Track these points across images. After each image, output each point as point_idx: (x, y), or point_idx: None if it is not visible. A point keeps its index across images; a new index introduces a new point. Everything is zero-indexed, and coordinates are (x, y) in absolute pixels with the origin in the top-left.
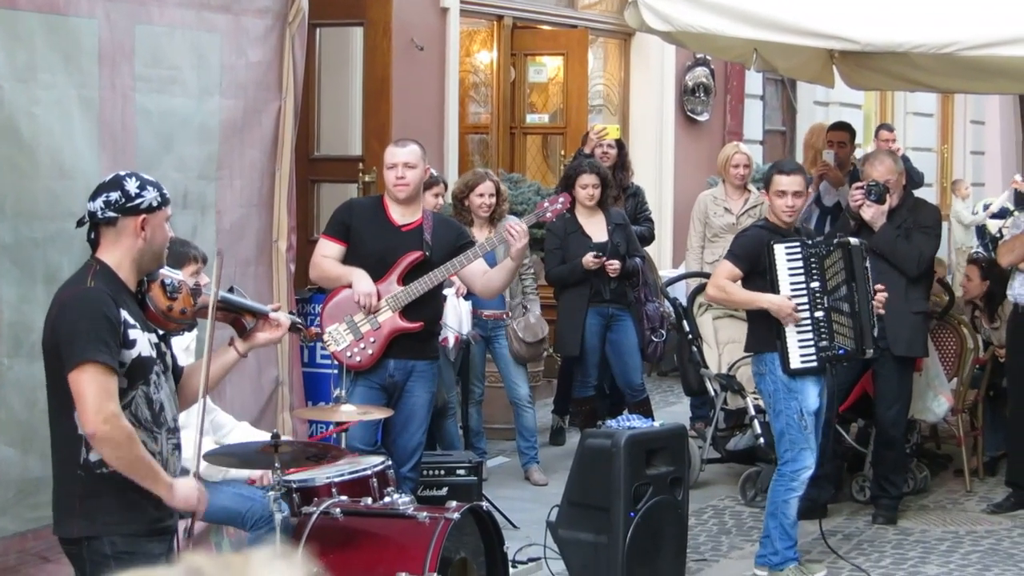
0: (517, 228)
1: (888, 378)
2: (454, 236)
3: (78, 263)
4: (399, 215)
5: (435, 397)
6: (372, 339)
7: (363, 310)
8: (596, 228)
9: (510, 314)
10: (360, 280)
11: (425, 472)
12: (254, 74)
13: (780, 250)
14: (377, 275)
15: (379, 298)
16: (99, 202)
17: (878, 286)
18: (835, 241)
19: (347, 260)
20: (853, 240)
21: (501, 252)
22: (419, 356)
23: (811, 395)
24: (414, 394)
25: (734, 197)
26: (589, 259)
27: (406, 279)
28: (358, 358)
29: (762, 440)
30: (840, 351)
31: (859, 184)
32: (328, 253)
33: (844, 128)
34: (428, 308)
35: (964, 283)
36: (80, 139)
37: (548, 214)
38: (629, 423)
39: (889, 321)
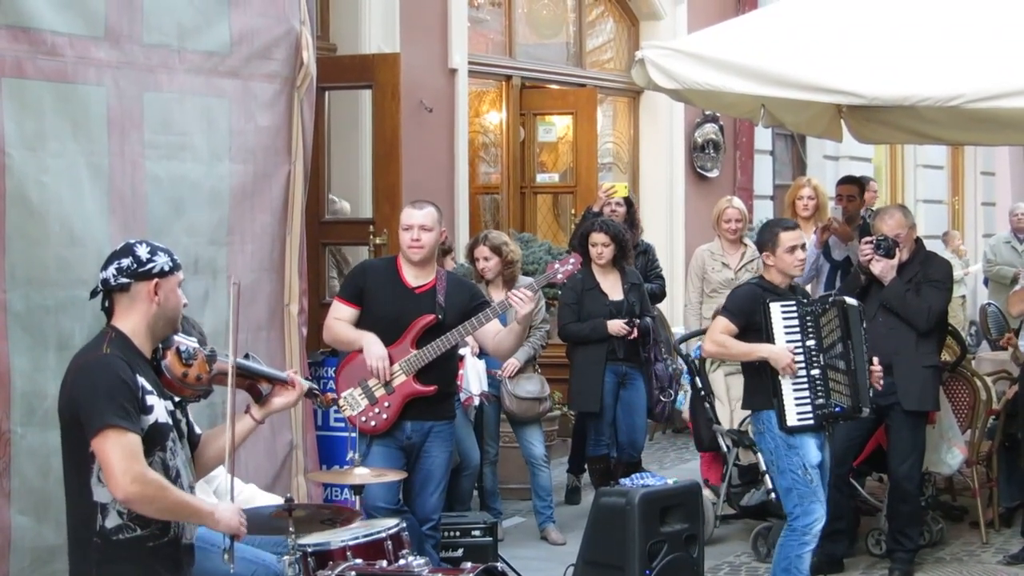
0: (521, 295)
1: (900, 432)
2: (467, 297)
3: (90, 330)
4: (413, 277)
5: (452, 456)
6: (387, 403)
7: (375, 377)
8: (612, 286)
9: (502, 372)
10: (371, 346)
11: (440, 533)
12: (263, 139)
13: (776, 308)
14: (391, 338)
15: (391, 363)
16: (111, 270)
17: (875, 359)
18: (831, 300)
19: (361, 322)
20: (849, 300)
21: (512, 315)
22: (435, 417)
23: (811, 449)
24: (432, 454)
25: (731, 252)
26: (619, 327)
27: (419, 342)
28: (373, 423)
29: (774, 495)
30: (837, 409)
31: (868, 239)
32: (341, 316)
33: (853, 182)
34: (442, 371)
35: None
36: (90, 206)
37: (559, 275)
38: (643, 481)
39: (899, 375)
